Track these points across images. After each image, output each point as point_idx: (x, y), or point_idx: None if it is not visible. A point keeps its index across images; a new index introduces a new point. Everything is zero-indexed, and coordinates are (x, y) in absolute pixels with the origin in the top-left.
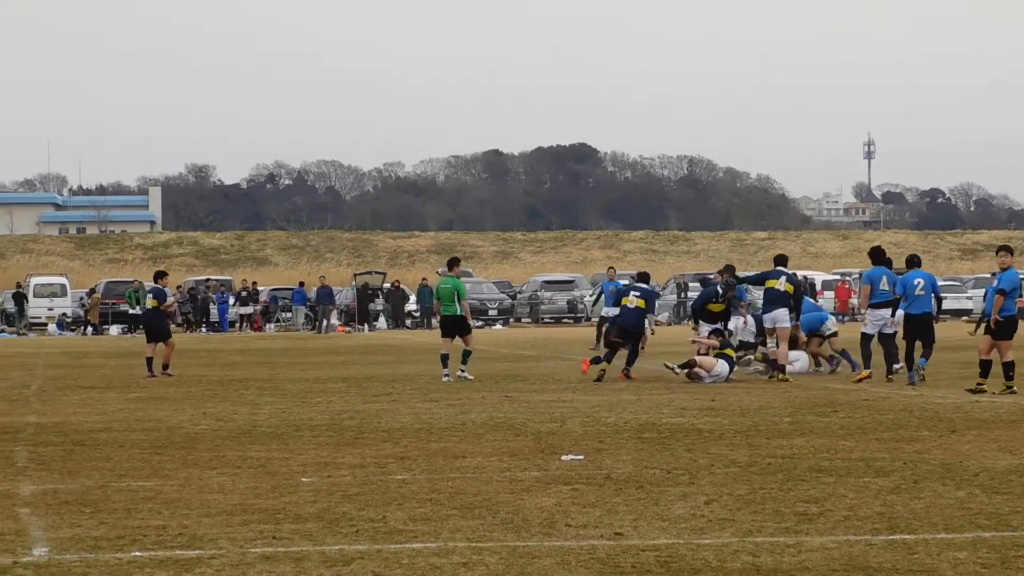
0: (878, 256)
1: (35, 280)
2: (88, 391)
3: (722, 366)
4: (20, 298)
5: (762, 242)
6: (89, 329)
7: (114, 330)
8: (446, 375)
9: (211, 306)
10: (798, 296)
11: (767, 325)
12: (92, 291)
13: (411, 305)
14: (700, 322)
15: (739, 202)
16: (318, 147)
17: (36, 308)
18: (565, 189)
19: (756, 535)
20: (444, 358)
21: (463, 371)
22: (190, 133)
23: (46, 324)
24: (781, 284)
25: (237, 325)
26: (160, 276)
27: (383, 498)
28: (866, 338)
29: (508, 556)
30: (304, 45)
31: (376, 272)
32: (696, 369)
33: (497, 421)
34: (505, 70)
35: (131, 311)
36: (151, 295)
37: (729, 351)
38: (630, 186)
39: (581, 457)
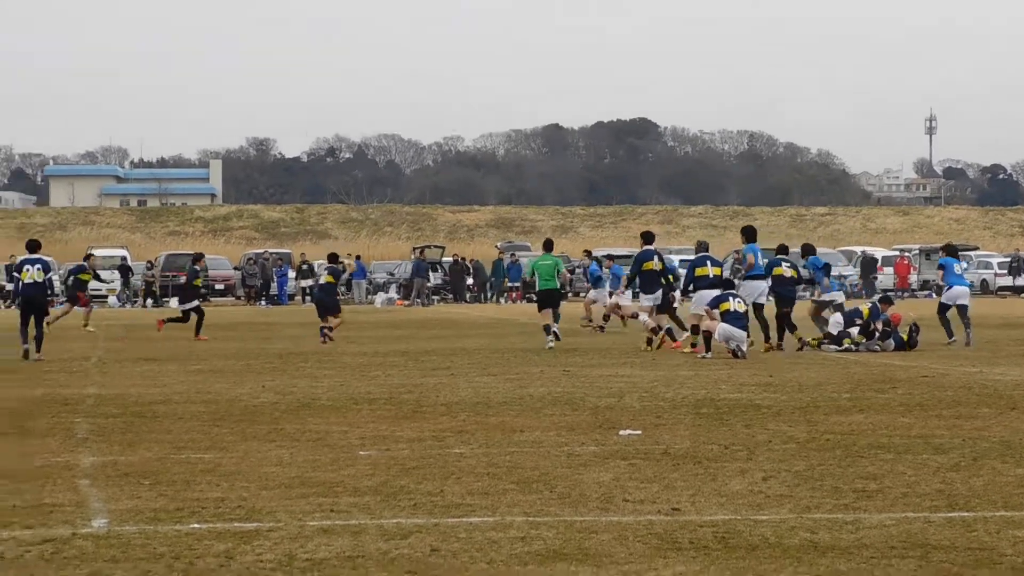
0: (809, 251)
1: (96, 252)
2: (148, 363)
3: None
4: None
5: (822, 217)
6: (149, 301)
7: (174, 303)
8: (550, 342)
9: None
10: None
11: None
12: (151, 264)
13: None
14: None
15: (799, 177)
16: (379, 121)
17: (96, 281)
18: (625, 164)
19: (814, 511)
20: (547, 328)
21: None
22: (251, 106)
23: (106, 296)
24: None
25: (298, 298)
26: (335, 258)
27: (441, 472)
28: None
29: (565, 531)
30: (365, 15)
31: (435, 246)
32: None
33: (555, 396)
34: (564, 43)
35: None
36: (327, 271)
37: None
38: (690, 161)
39: (639, 432)
